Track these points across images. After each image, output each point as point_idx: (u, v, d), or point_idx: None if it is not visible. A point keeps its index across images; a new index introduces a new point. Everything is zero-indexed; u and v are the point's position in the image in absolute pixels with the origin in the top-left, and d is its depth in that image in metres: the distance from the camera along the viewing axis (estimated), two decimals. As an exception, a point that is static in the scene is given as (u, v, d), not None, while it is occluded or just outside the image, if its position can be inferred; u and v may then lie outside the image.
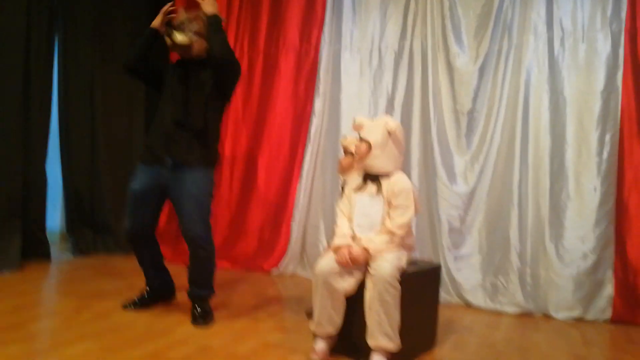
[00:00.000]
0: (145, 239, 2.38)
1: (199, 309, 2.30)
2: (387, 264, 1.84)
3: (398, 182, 1.97)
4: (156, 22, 2.30)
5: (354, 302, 1.92)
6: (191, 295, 2.35)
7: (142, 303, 2.40)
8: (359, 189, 2.04)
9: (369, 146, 1.97)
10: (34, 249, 3.20)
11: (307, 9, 3.37)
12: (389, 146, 1.99)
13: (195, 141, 2.26)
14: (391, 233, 1.92)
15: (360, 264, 1.90)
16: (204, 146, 2.28)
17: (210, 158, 2.32)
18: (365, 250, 1.89)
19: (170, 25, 2.26)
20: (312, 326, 1.96)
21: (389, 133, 1.99)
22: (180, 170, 2.24)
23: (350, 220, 2.03)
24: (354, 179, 2.12)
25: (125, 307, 2.37)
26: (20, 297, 2.44)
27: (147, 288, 2.45)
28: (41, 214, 3.28)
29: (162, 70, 2.39)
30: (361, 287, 1.91)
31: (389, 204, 1.96)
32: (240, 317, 2.38)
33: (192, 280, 2.35)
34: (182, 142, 2.24)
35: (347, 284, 1.90)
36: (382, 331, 1.82)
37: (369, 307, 1.85)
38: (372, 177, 2.01)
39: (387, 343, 1.82)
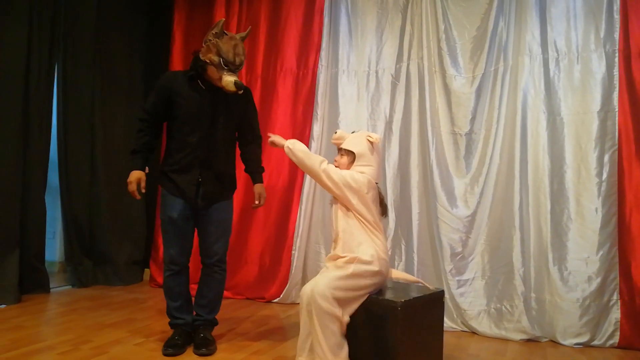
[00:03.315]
0: (187, 268, 2.35)
1: (204, 337, 2.28)
2: (320, 281, 1.85)
3: None
4: None
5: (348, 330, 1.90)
6: (199, 322, 2.33)
7: (185, 342, 2.27)
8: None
9: (353, 157, 2.01)
10: (32, 280, 3.17)
11: (304, 34, 3.40)
12: (373, 157, 2.04)
13: (224, 178, 2.33)
14: (315, 158, 1.99)
15: (278, 145, 2.12)
16: (230, 181, 2.39)
17: (234, 188, 2.44)
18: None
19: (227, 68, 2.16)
20: (297, 354, 1.91)
21: (372, 144, 2.04)
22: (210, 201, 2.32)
23: None
24: None
25: (167, 353, 2.17)
26: (18, 331, 2.41)
27: (180, 325, 2.31)
28: (40, 244, 3.25)
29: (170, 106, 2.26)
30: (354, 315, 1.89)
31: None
32: (242, 348, 2.34)
33: (203, 305, 2.35)
34: (211, 184, 2.28)
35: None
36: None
37: None
38: None
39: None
